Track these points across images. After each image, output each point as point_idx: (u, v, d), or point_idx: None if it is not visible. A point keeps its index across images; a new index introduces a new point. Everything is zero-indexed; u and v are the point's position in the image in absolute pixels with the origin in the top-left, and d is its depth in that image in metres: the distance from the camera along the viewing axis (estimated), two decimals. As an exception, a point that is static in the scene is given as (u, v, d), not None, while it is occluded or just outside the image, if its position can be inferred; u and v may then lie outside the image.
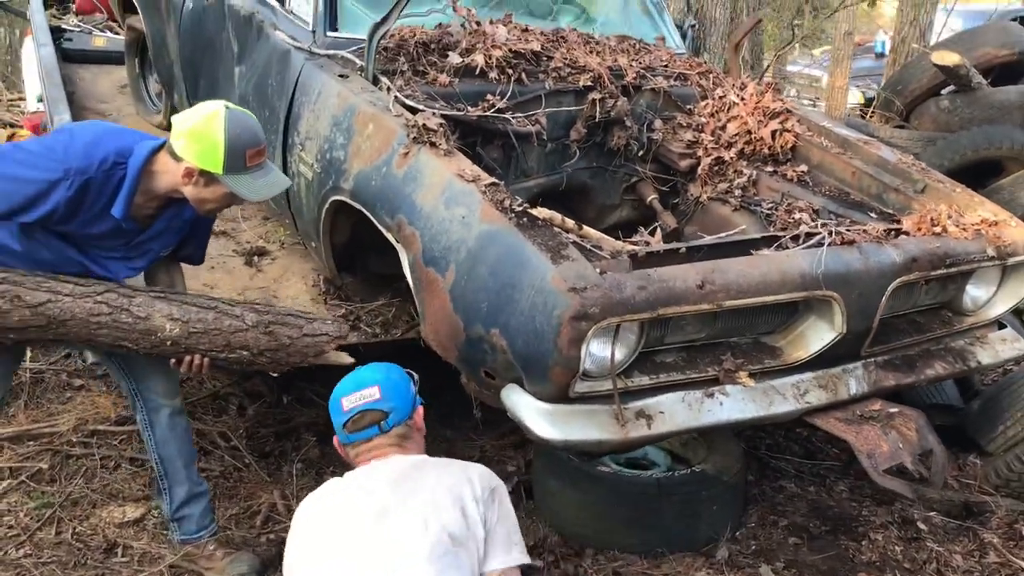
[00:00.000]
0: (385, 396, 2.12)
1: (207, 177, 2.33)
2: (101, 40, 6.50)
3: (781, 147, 3.58)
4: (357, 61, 3.20)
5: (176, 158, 2.32)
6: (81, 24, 6.74)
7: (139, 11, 4.92)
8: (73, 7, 7.24)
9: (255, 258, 3.77)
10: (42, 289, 2.39)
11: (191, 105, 4.35)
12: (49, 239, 2.43)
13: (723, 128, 3.65)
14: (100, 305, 2.44)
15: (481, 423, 3.52)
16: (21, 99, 12.03)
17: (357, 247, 3.39)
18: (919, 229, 2.87)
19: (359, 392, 2.13)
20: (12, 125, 10.95)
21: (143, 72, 5.41)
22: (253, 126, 2.40)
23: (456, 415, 3.90)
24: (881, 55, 10.19)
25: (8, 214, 2.31)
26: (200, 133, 2.29)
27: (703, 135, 3.63)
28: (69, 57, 6.12)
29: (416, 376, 2.27)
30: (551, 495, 3.14)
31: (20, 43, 13.72)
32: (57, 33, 6.26)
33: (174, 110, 4.87)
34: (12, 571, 2.79)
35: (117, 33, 6.43)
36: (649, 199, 3.69)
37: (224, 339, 2.56)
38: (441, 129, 2.79)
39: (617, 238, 3.68)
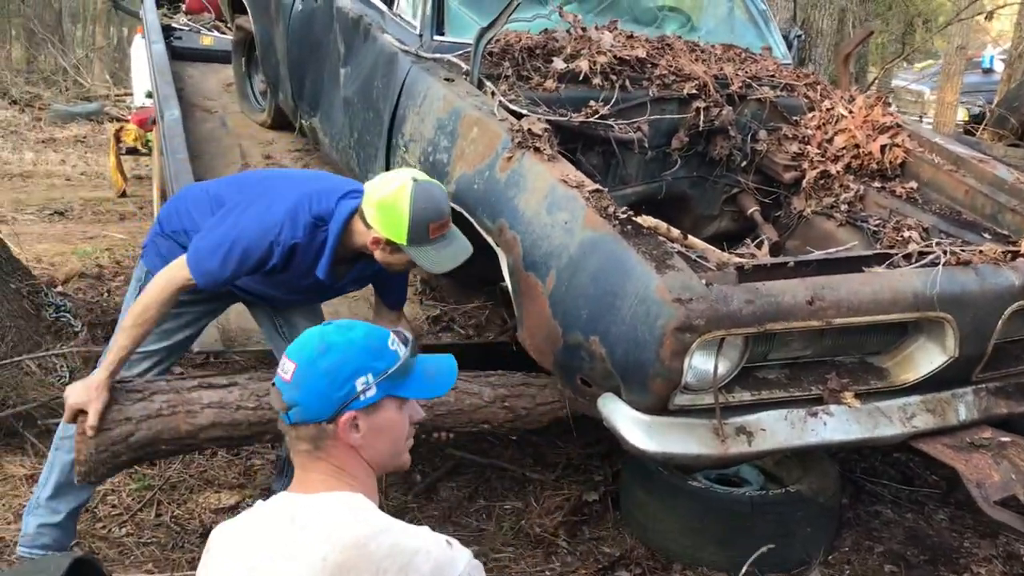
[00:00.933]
0: (295, 382, 1.53)
1: (393, 246, 2.42)
2: (209, 39, 6.72)
3: (890, 162, 3.48)
4: (463, 65, 3.23)
5: (367, 224, 2.42)
6: (190, 23, 6.97)
7: (248, 11, 5.07)
8: (183, 7, 7.50)
9: (354, 257, 3.82)
10: None
11: (295, 105, 4.51)
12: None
13: (830, 141, 3.56)
14: None
15: (574, 431, 3.49)
16: (129, 94, 12.55)
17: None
18: (1039, 252, 2.75)
19: (284, 358, 1.57)
20: (119, 119, 11.42)
21: (249, 71, 5.57)
22: (439, 199, 2.46)
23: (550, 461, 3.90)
24: (989, 70, 9.84)
25: (232, 279, 2.46)
26: (388, 206, 2.37)
27: (809, 147, 3.55)
28: (178, 55, 6.33)
29: (400, 358, 1.58)
30: (639, 507, 3.11)
31: (129, 41, 14.29)
32: (167, 31, 6.49)
33: (278, 109, 5.00)
34: (115, 548, 2.89)
35: (224, 33, 6.64)
36: (750, 211, 3.62)
37: (467, 417, 2.70)
38: (545, 134, 2.79)
39: (719, 248, 3.65)
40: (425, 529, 1.46)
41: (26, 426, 3.41)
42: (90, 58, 17.23)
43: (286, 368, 1.55)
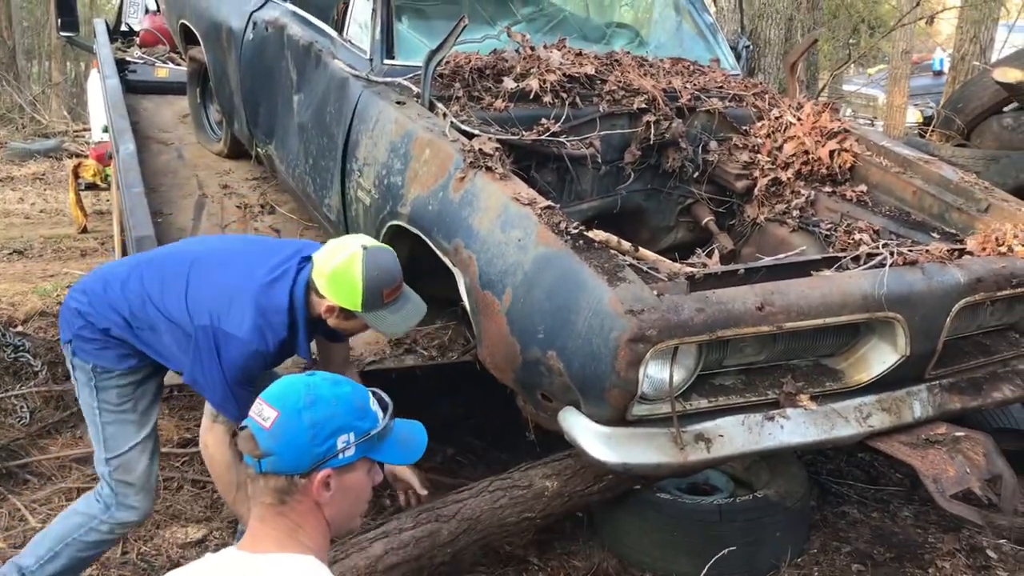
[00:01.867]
0: (274, 431, 1.49)
1: (347, 313, 2.42)
2: (163, 71, 6.70)
3: (840, 167, 3.55)
4: (414, 88, 3.25)
5: (319, 294, 2.42)
6: (144, 56, 6.94)
7: (200, 43, 5.06)
8: (137, 40, 7.48)
9: (313, 283, 3.82)
10: (449, 503, 2.84)
11: (251, 133, 4.51)
12: None
13: (780, 149, 3.62)
14: (495, 493, 2.89)
15: (537, 446, 3.50)
16: (86, 129, 12.44)
17: (414, 272, 3.42)
18: (984, 249, 2.81)
19: (262, 403, 1.53)
20: (78, 155, 11.32)
21: (204, 102, 5.55)
22: (390, 264, 2.47)
23: (510, 436, 3.91)
24: (939, 73, 10.03)
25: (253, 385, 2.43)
26: (340, 275, 2.38)
27: (760, 156, 3.61)
28: (133, 88, 6.30)
29: (381, 421, 1.59)
30: (610, 520, 3.12)
31: (86, 76, 14.20)
32: (122, 65, 6.46)
33: (234, 138, 4.99)
34: (81, 589, 2.85)
35: (179, 64, 6.62)
36: (705, 220, 3.67)
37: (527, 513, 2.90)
38: (497, 153, 2.82)
39: (673, 259, 3.69)
40: None
41: (-14, 469, 3.37)
42: (47, 94, 17.07)
43: (265, 415, 1.50)
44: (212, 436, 2.55)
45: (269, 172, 4.68)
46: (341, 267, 2.38)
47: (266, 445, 1.48)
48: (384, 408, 1.60)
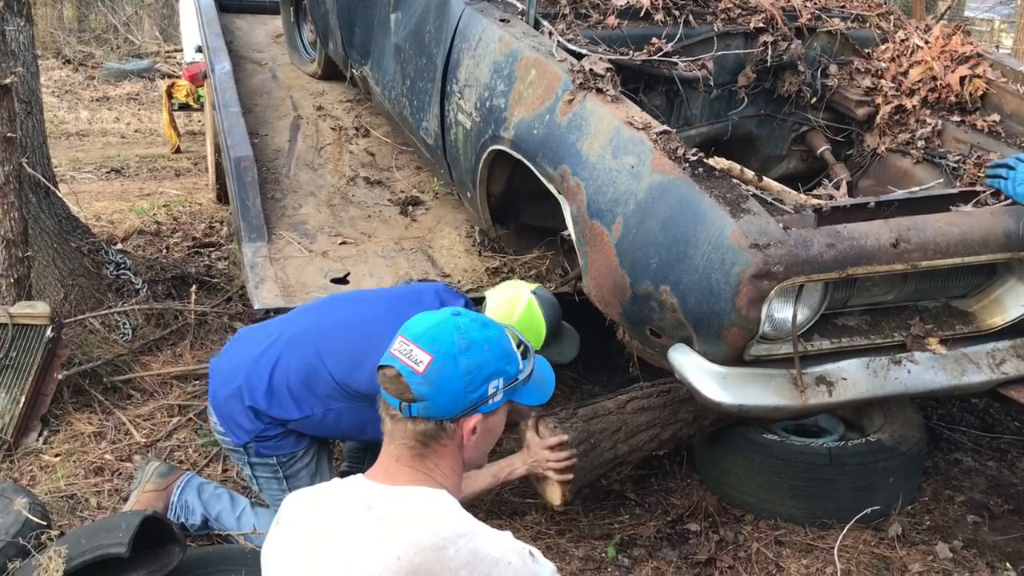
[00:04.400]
0: (428, 376, 1.41)
1: None
2: (257, -10, 6.63)
3: (970, 95, 3.28)
4: (518, 5, 3.12)
5: None
6: (237, -26, 6.88)
7: (296, -40, 4.97)
8: (229, -42, 7.41)
9: (410, 208, 3.78)
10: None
11: (346, 54, 4.42)
12: None
13: (905, 74, 3.37)
14: None
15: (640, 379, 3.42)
16: (179, 50, 12.56)
17: (512, 198, 3.34)
18: None
19: (412, 344, 1.45)
20: (171, 76, 11.46)
21: (298, 21, 5.49)
22: (556, 301, 2.66)
23: (605, 367, 3.84)
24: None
25: None
26: (526, 323, 2.54)
27: (883, 81, 3.37)
28: (226, 8, 6.25)
29: (523, 364, 1.53)
30: (714, 461, 3.03)
31: (177, -4, 14.28)
32: (215, -17, 6.42)
33: (328, 59, 4.92)
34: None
35: (272, -18, 6.55)
36: (821, 150, 3.46)
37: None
38: (608, 74, 2.67)
39: (794, 189, 3.52)
40: (508, 536, 1.38)
41: (92, 384, 3.44)
42: (140, 15, 17.25)
43: (416, 357, 1.43)
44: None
45: (364, 94, 4.61)
46: (526, 315, 2.55)
47: (419, 390, 1.42)
48: (520, 347, 1.53)
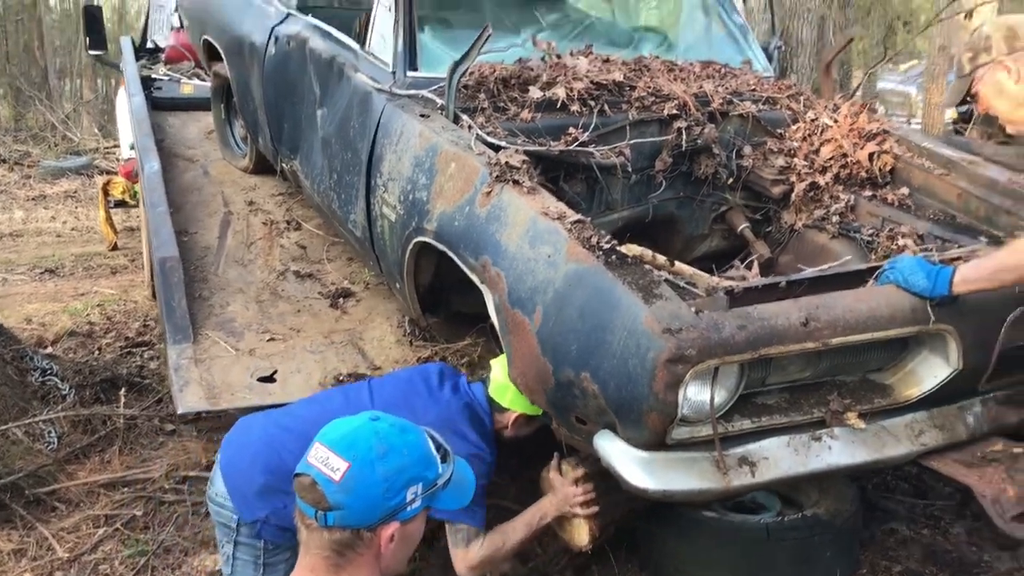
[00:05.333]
0: (345, 484, 1.39)
1: (528, 419, 2.68)
2: (189, 87, 6.71)
3: (880, 170, 3.41)
4: (438, 100, 3.17)
5: (501, 410, 2.67)
6: (170, 73, 6.95)
7: (223, 58, 5.03)
8: (163, 57, 7.49)
9: (340, 300, 3.77)
10: None
11: (275, 149, 4.46)
12: None
13: (817, 152, 3.50)
14: None
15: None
16: (117, 146, 12.53)
17: (441, 287, 3.35)
18: (1038, 253, 2.66)
19: (328, 451, 1.42)
20: (109, 172, 11.40)
21: (229, 117, 5.53)
22: None
23: (545, 453, 3.81)
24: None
25: None
26: None
27: (796, 160, 3.48)
28: (159, 105, 6.31)
29: (442, 468, 1.52)
30: (652, 540, 3.01)
31: (116, 93, 14.32)
32: (147, 83, 6.47)
33: (259, 154, 4.95)
34: (108, 621, 2.80)
35: (204, 80, 6.62)
36: (740, 228, 3.55)
37: None
38: (524, 166, 2.73)
39: (709, 270, 3.58)
40: None
41: (13, 497, 3.33)
42: (78, 112, 17.26)
43: (334, 465, 1.40)
44: (477, 554, 2.52)
45: (294, 187, 4.64)
46: None
47: (335, 499, 1.40)
48: (440, 451, 1.52)
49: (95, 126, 16.72)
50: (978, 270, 2.28)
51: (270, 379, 3.17)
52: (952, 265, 2.34)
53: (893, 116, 9.28)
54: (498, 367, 2.68)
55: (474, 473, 2.42)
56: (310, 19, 4.21)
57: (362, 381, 2.83)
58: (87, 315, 6.01)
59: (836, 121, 3.54)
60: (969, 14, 5.44)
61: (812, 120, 3.57)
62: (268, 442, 2.45)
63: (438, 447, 1.53)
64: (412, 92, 3.28)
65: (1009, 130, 2.60)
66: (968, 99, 2.53)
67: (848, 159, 3.44)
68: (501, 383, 2.65)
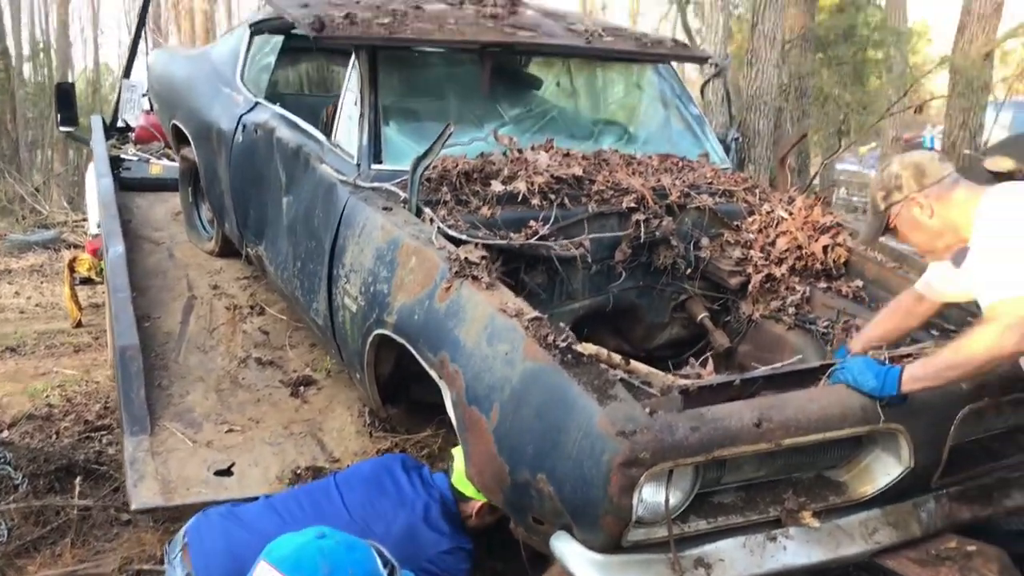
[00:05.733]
0: None
1: (492, 508, 2.70)
2: (158, 168, 6.73)
3: (834, 262, 3.49)
4: (401, 193, 3.22)
5: (465, 499, 2.73)
6: (139, 153, 6.98)
7: (191, 143, 5.08)
8: (132, 136, 7.54)
9: (301, 388, 3.76)
10: None
11: (241, 234, 4.48)
12: None
13: (772, 244, 3.58)
14: None
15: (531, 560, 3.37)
16: (85, 220, 12.49)
17: (401, 377, 3.35)
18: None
19: (274, 569, 1.50)
20: (76, 246, 11.34)
21: (196, 200, 5.55)
22: None
23: (507, 544, 3.77)
24: (931, 150, 10.11)
25: None
26: None
27: (752, 252, 3.56)
28: (127, 186, 6.34)
29: None
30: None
31: (87, 166, 14.33)
32: (116, 163, 6.50)
33: (225, 238, 4.96)
34: None
35: (174, 160, 6.65)
36: (700, 317, 3.61)
37: None
38: (483, 262, 2.77)
39: (669, 358, 3.61)
40: None
41: (-41, 595, 3.23)
42: (48, 184, 17.23)
43: None
44: None
45: (259, 272, 4.64)
46: None
47: None
48: (387, 567, 1.51)
49: (64, 199, 16.69)
50: (925, 368, 2.32)
51: (227, 472, 3.14)
52: (900, 364, 2.38)
53: (854, 197, 9.49)
54: (460, 457, 2.69)
55: (460, 566, 2.52)
56: (278, 108, 4.27)
57: (327, 480, 2.80)
58: (47, 396, 5.89)
59: (791, 214, 3.64)
60: (920, 108, 5.66)
61: (768, 212, 3.66)
62: (233, 557, 2.40)
63: (385, 563, 1.52)
64: (376, 185, 3.33)
65: (927, 260, 2.70)
66: (884, 235, 2.62)
67: (803, 251, 3.52)
68: (464, 472, 2.66)
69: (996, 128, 7.24)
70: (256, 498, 3.02)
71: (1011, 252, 2.26)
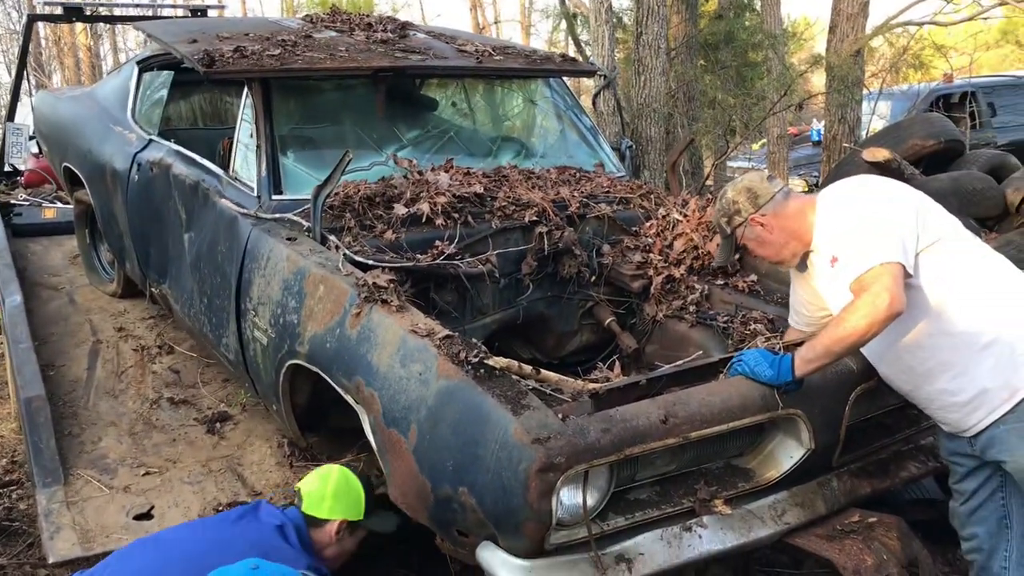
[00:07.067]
0: None
1: (352, 526, 2.67)
2: (51, 211, 6.55)
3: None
4: (304, 223, 3.24)
5: (321, 523, 2.63)
6: (30, 198, 6.78)
7: (85, 185, 4.97)
8: (21, 180, 7.31)
9: (217, 424, 3.73)
10: None
11: (143, 273, 4.41)
12: None
13: (670, 246, 3.72)
14: None
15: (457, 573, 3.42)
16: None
17: (319, 405, 3.36)
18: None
19: None
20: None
21: (94, 242, 5.44)
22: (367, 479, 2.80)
23: (437, 561, 3.80)
24: (818, 143, 10.55)
25: None
26: (342, 490, 2.67)
27: (652, 255, 3.69)
28: (20, 232, 6.14)
29: None
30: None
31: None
32: (6, 209, 6.30)
33: (127, 279, 4.88)
34: None
35: (66, 203, 6.48)
36: (607, 322, 3.72)
37: None
38: (391, 285, 2.80)
39: (581, 363, 3.71)
40: None
41: None
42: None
43: None
44: None
45: (165, 310, 4.57)
46: (341, 481, 2.67)
47: None
48: None
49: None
50: (813, 349, 2.47)
51: (147, 516, 3.10)
52: (792, 352, 2.52)
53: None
54: (309, 481, 2.70)
55: None
56: (172, 144, 4.23)
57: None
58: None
59: (686, 216, 3.78)
60: (800, 106, 5.93)
61: (664, 216, 3.80)
62: None
63: None
64: (278, 215, 3.34)
65: (782, 268, 2.93)
66: (737, 254, 2.89)
67: (699, 251, 3.67)
68: (315, 493, 2.64)
69: (875, 120, 7.62)
70: None
71: (860, 231, 2.46)
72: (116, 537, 2.94)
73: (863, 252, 2.39)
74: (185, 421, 3.75)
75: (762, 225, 2.66)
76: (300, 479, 3.28)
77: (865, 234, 2.43)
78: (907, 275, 2.39)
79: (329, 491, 2.64)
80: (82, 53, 18.40)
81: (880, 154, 5.01)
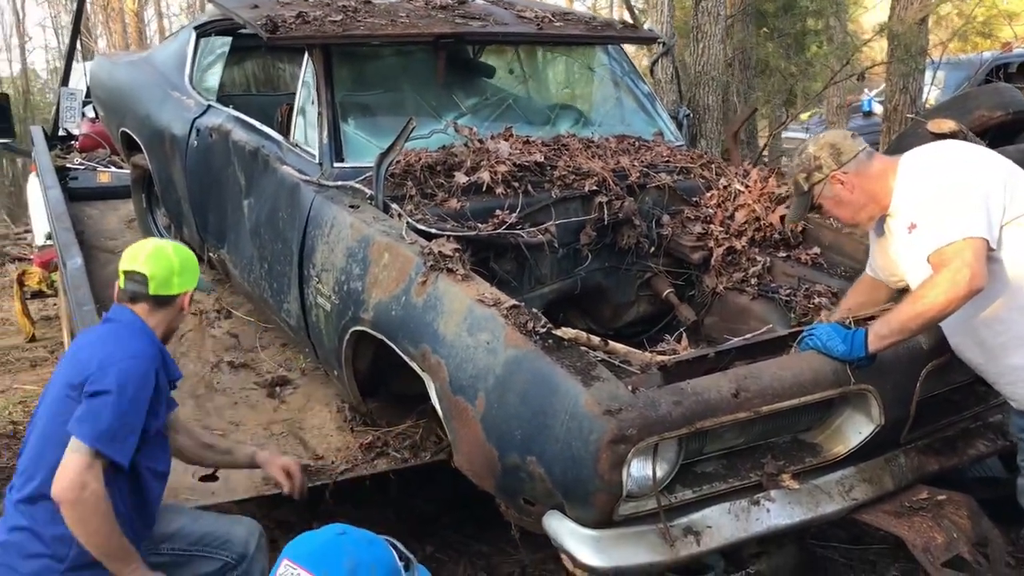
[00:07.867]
0: None
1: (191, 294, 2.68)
2: (106, 176, 6.63)
3: (791, 231, 3.60)
4: (366, 190, 3.24)
5: (171, 299, 2.60)
6: (85, 162, 6.87)
7: (143, 150, 5.02)
8: (76, 145, 7.40)
9: (277, 389, 3.76)
10: None
11: (202, 239, 4.46)
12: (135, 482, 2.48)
13: (731, 217, 3.68)
14: None
15: (519, 539, 3.44)
16: (27, 231, 12.21)
17: (380, 371, 3.38)
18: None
19: (298, 567, 1.48)
20: (21, 259, 11.10)
21: (151, 207, 5.50)
22: None
23: (492, 528, 3.83)
24: (869, 113, 10.33)
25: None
26: (187, 264, 2.64)
27: (712, 226, 3.66)
28: (76, 196, 6.22)
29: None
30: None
31: (25, 177, 13.98)
32: (62, 173, 6.38)
33: (184, 244, 4.91)
34: None
35: (121, 167, 6.55)
36: (665, 293, 3.70)
37: None
38: (456, 254, 2.81)
39: (637, 335, 3.69)
40: None
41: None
42: (-16, 198, 16.81)
43: None
44: (93, 473, 2.28)
45: (223, 275, 4.62)
46: (183, 257, 2.64)
47: None
48: (403, 561, 1.56)
49: (3, 211, 16.30)
50: (888, 325, 2.43)
51: (212, 477, 3.14)
52: (864, 327, 2.48)
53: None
54: (142, 265, 2.56)
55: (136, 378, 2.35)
56: (231, 111, 4.25)
57: None
58: (9, 414, 5.82)
59: (747, 187, 3.73)
60: (861, 76, 5.80)
61: (725, 187, 3.76)
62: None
63: (401, 557, 1.57)
64: (340, 183, 3.35)
65: (855, 231, 2.85)
66: (811, 213, 2.83)
67: (761, 222, 3.62)
68: (162, 274, 2.56)
69: (933, 90, 7.44)
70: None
71: (944, 199, 2.40)
72: (184, 498, 3.00)
73: (945, 223, 2.34)
74: (245, 385, 3.80)
75: (842, 183, 2.59)
76: (360, 444, 3.33)
77: (949, 203, 2.37)
78: (990, 249, 2.33)
79: (176, 267, 2.59)
80: (129, 18, 18.52)
81: (946, 125, 4.88)
